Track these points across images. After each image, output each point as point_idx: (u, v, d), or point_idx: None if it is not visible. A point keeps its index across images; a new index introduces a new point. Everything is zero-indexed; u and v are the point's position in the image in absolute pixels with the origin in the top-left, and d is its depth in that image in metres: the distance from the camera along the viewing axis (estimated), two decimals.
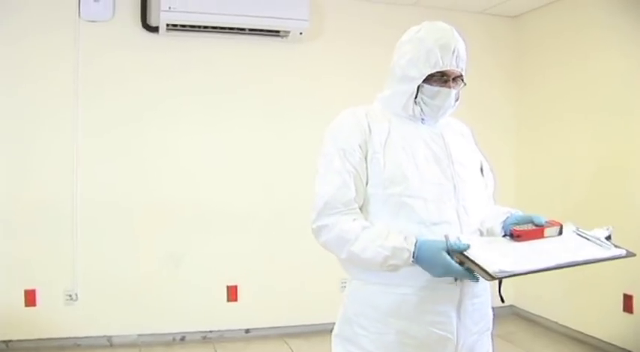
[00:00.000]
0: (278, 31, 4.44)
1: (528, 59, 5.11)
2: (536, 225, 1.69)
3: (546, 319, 4.82)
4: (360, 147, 1.74)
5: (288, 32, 4.43)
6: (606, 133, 4.25)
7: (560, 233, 1.70)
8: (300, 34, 4.44)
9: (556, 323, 4.70)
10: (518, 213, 1.81)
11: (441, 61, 1.73)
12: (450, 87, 1.77)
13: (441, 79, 1.76)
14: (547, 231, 1.68)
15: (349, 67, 4.68)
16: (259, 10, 4.28)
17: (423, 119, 1.83)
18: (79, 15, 4.20)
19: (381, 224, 1.70)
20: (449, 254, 1.56)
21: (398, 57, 1.81)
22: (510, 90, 5.23)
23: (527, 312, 5.03)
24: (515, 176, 5.20)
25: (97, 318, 4.21)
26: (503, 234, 1.73)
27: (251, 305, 4.51)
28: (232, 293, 4.50)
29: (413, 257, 1.61)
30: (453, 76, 1.77)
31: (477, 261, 1.53)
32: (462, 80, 1.80)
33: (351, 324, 1.77)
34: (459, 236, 1.62)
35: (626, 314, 4.03)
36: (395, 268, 1.65)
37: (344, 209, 1.71)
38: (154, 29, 4.33)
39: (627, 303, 4.02)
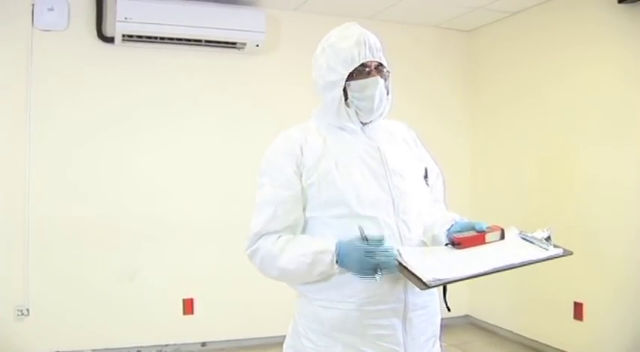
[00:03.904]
0: (235, 43, 4.45)
1: (481, 67, 5.27)
2: (478, 232, 1.70)
3: (501, 328, 4.89)
4: (295, 173, 1.75)
5: (245, 44, 4.45)
6: (555, 133, 4.41)
7: (503, 237, 1.71)
8: (257, 46, 4.46)
9: (511, 332, 4.78)
10: (463, 220, 1.82)
11: (357, 57, 1.75)
12: (375, 75, 1.77)
13: (363, 71, 1.76)
14: (488, 237, 1.69)
15: (305, 79, 4.68)
16: (216, 22, 4.29)
17: (362, 123, 1.82)
18: (33, 24, 4.14)
19: (304, 235, 1.76)
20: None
21: (316, 70, 1.84)
22: (465, 94, 5.36)
23: (483, 322, 5.10)
24: (470, 177, 5.34)
25: (49, 334, 4.11)
26: (445, 242, 1.74)
27: (207, 318, 4.47)
28: (188, 307, 4.45)
29: (337, 257, 1.63)
30: (373, 66, 1.78)
31: (411, 270, 1.53)
32: (385, 68, 1.81)
33: (300, 337, 1.78)
34: (398, 248, 1.63)
35: (577, 322, 4.13)
36: (325, 275, 1.67)
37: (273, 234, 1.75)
38: (110, 40, 4.29)
39: (577, 311, 4.12)
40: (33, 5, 4.12)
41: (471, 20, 5.03)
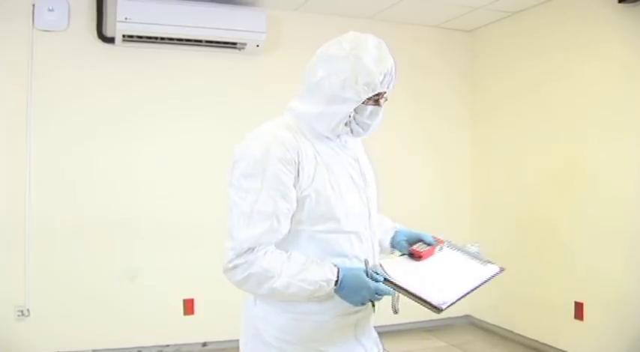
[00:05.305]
0: (235, 43, 4.45)
1: (482, 67, 5.29)
2: (428, 244, 1.86)
3: (502, 328, 4.90)
4: (294, 184, 1.62)
5: (245, 44, 4.44)
6: (555, 132, 4.42)
7: (441, 248, 1.91)
8: (257, 46, 4.46)
9: (511, 332, 4.78)
10: (402, 228, 1.96)
11: (379, 85, 1.67)
12: (380, 105, 1.73)
13: (373, 98, 1.70)
14: (436, 249, 1.87)
15: None
16: (216, 22, 4.28)
17: (339, 136, 1.76)
18: (33, 24, 4.14)
19: (298, 253, 1.65)
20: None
21: (328, 73, 1.67)
22: (465, 94, 5.38)
23: (483, 322, 5.10)
24: (471, 175, 5.36)
25: (49, 334, 4.11)
26: (401, 253, 1.88)
27: (208, 318, 4.46)
28: (189, 307, 4.46)
29: (335, 285, 1.62)
30: (383, 95, 1.73)
31: (420, 295, 1.61)
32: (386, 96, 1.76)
33: (269, 348, 1.72)
34: (381, 263, 1.72)
35: (577, 322, 4.13)
36: (319, 299, 1.65)
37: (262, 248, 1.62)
38: (110, 40, 4.29)
39: (578, 311, 4.12)
40: (33, 5, 4.12)
41: (472, 20, 5.03)
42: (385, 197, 5.34)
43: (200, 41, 4.37)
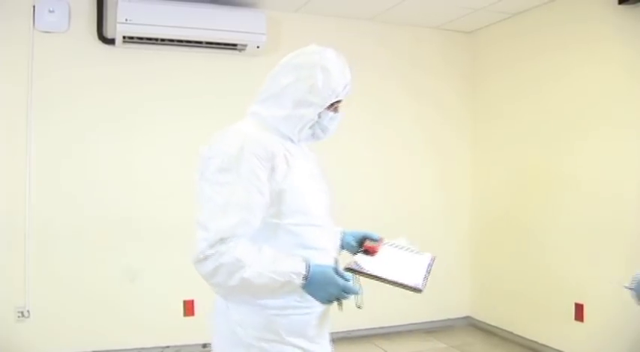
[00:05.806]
0: (235, 45, 4.45)
1: (482, 68, 5.30)
2: (375, 241, 2.02)
3: (502, 329, 4.89)
4: (268, 179, 1.68)
5: (246, 46, 4.44)
6: (555, 132, 4.43)
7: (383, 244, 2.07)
8: (258, 47, 4.45)
9: (511, 333, 4.78)
10: (347, 230, 2.09)
11: (341, 92, 1.82)
12: (338, 111, 1.87)
13: (333, 104, 1.84)
14: (381, 244, 2.03)
15: None
16: (217, 23, 4.28)
17: (299, 140, 1.86)
18: (34, 25, 4.14)
19: (268, 247, 1.67)
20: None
21: (295, 79, 1.79)
22: (466, 94, 5.39)
23: (484, 323, 5.09)
24: (471, 175, 5.38)
25: (50, 335, 4.11)
26: (357, 251, 2.00)
27: (208, 319, 4.45)
28: (189, 308, 4.46)
29: (304, 280, 1.64)
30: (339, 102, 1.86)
31: (398, 281, 1.78)
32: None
33: (249, 348, 1.74)
34: (355, 260, 1.83)
35: (578, 323, 4.13)
36: (286, 294, 1.68)
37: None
38: (110, 41, 4.29)
39: (578, 312, 4.12)
40: (34, 7, 4.12)
41: (472, 21, 5.04)
42: (385, 197, 5.38)
43: (200, 42, 4.37)
